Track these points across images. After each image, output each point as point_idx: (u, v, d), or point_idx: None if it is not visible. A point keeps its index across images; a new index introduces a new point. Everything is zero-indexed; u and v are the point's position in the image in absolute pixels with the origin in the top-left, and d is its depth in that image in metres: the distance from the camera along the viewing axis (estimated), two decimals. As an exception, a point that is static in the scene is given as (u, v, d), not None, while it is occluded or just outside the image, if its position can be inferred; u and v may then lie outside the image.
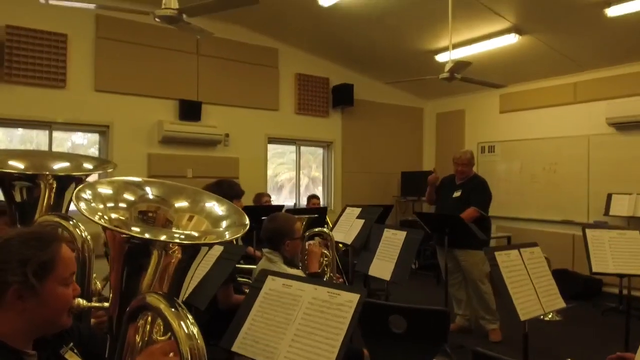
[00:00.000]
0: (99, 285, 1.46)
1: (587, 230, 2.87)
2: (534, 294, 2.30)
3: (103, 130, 5.52)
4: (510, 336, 3.94)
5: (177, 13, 2.90)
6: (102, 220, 0.99)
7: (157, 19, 2.96)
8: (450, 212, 4.13)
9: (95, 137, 5.66)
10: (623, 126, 5.67)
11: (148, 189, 1.18)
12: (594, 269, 2.83)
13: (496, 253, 2.35)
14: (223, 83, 6.21)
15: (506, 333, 4.06)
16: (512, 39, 5.39)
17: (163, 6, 2.89)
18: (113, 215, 1.04)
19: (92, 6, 3.20)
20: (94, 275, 1.42)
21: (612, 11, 4.49)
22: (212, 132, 6.01)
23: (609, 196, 5.70)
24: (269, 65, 6.61)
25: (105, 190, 1.10)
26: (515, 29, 5.28)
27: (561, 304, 2.42)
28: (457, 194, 4.29)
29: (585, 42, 5.41)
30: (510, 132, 7.00)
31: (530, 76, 6.57)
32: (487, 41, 5.54)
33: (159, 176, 5.41)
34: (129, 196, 1.13)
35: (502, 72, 6.28)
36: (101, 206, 1.04)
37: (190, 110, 5.90)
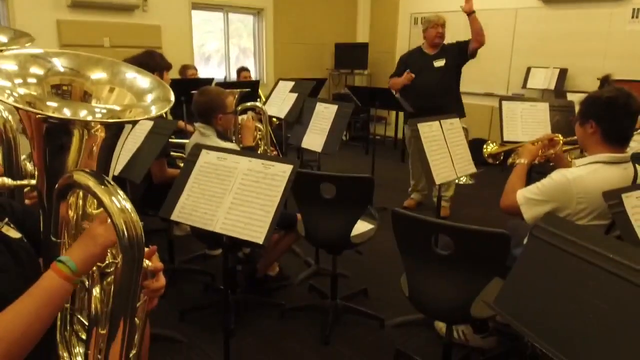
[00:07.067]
0: (29, 166, 1.40)
1: (503, 102, 3.05)
2: (449, 160, 2.51)
3: (-3, -9, 4.80)
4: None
5: None
6: (10, 99, 0.91)
7: None
8: (439, 84, 3.98)
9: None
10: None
11: (56, 61, 1.07)
12: (505, 138, 3.08)
13: (419, 125, 2.49)
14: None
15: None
16: None
17: None
18: (23, 91, 0.96)
19: None
20: (23, 157, 1.35)
21: None
22: (127, -6, 5.39)
23: (528, 69, 6.00)
24: None
25: (8, 65, 0.99)
26: None
27: (473, 169, 2.68)
28: (439, 63, 4.03)
29: None
30: (442, 4, 6.88)
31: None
32: None
33: (72, 46, 4.93)
34: (37, 70, 1.02)
35: None
36: (9, 84, 0.95)
37: (100, -31, 5.21)
